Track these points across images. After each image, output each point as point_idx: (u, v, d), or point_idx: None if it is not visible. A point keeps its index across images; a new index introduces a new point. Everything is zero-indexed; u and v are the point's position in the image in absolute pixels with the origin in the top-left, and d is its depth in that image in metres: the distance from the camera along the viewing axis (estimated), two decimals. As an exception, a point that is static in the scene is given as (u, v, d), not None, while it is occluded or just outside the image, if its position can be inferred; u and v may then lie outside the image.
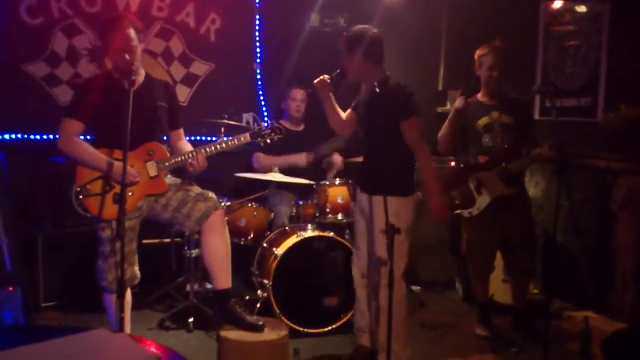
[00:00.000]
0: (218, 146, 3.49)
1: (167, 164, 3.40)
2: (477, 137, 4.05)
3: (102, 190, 3.25)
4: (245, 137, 3.59)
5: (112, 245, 3.23)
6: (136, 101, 3.08)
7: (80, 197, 3.27)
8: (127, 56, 3.22)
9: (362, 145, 3.70)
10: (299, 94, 4.91)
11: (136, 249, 3.43)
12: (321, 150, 4.85)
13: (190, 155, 3.43)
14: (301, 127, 5.02)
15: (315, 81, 3.46)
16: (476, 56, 4.08)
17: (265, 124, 3.72)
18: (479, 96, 4.13)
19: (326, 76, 3.43)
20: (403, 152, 3.43)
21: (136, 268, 3.43)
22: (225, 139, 3.57)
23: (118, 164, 3.17)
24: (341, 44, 3.47)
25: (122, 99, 3.01)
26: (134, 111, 2.97)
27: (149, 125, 3.37)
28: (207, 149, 3.46)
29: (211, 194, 3.52)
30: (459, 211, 4.14)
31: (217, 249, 3.50)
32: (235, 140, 3.55)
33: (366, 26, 3.44)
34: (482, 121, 4.03)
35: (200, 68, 5.31)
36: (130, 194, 3.28)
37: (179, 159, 3.42)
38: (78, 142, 3.29)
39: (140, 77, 3.43)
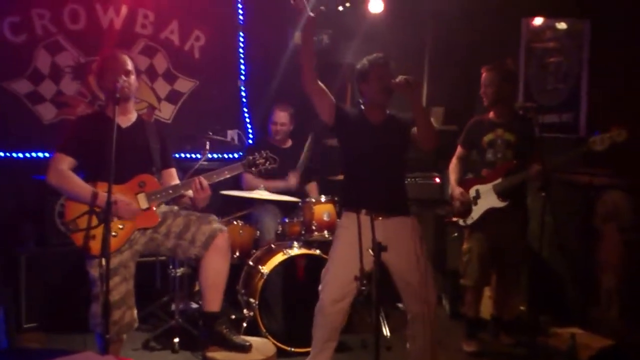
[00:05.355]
0: (212, 177, 3.42)
1: (158, 195, 3.33)
2: (482, 153, 4.20)
3: (89, 225, 3.16)
4: (239, 168, 3.54)
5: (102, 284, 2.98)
6: (129, 137, 3.09)
7: (69, 233, 3.21)
8: (125, 90, 3.25)
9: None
10: (278, 117, 4.90)
11: (133, 290, 3.30)
12: None
13: (184, 184, 3.39)
14: (288, 144, 5.01)
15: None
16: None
17: (255, 155, 3.61)
18: (490, 115, 4.23)
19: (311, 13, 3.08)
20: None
21: (135, 312, 3.30)
22: (218, 171, 3.48)
23: (104, 195, 3.08)
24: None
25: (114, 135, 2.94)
26: (126, 146, 2.97)
27: (141, 160, 3.36)
28: (202, 178, 3.38)
29: (213, 216, 3.48)
30: (455, 219, 4.27)
31: (219, 273, 3.45)
32: (227, 172, 3.49)
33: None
34: (487, 138, 4.17)
35: (185, 85, 5.29)
36: (120, 227, 3.23)
37: (171, 190, 3.37)
38: (66, 174, 3.24)
39: (133, 116, 3.46)
